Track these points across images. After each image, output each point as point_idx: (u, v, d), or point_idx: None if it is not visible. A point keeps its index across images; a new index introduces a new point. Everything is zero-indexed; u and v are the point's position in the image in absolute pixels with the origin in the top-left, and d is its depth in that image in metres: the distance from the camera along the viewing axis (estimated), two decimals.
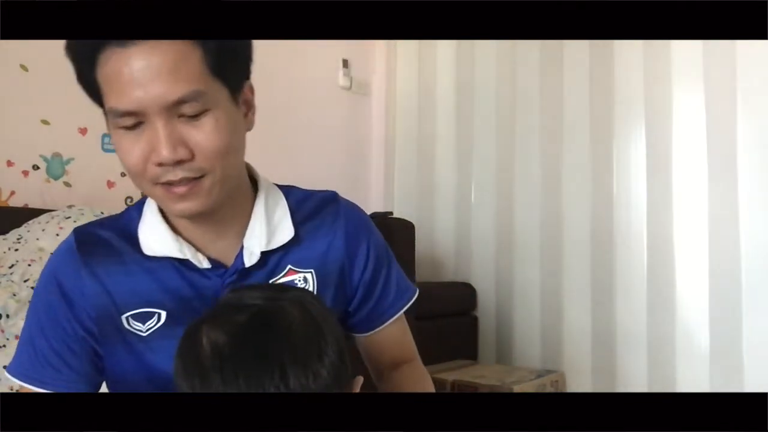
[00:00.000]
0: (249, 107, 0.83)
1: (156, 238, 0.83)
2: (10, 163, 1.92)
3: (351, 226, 0.92)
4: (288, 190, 0.92)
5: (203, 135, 0.74)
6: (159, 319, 0.82)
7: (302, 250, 0.88)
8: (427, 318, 2.40)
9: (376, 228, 0.97)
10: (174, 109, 0.72)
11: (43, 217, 1.76)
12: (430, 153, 2.96)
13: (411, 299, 0.99)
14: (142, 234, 0.84)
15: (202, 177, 0.75)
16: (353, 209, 0.95)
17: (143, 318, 0.82)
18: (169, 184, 0.75)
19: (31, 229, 1.71)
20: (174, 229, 0.84)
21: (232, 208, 0.84)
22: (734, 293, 2.09)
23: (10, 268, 1.58)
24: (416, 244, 2.27)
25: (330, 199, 0.94)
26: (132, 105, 0.71)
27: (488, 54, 2.76)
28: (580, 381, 2.43)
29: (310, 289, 0.88)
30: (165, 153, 0.72)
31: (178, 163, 0.73)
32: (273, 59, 2.68)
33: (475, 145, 2.80)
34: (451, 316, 2.65)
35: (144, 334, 0.82)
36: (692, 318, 2.17)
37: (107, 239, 0.85)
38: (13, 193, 1.99)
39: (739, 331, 2.07)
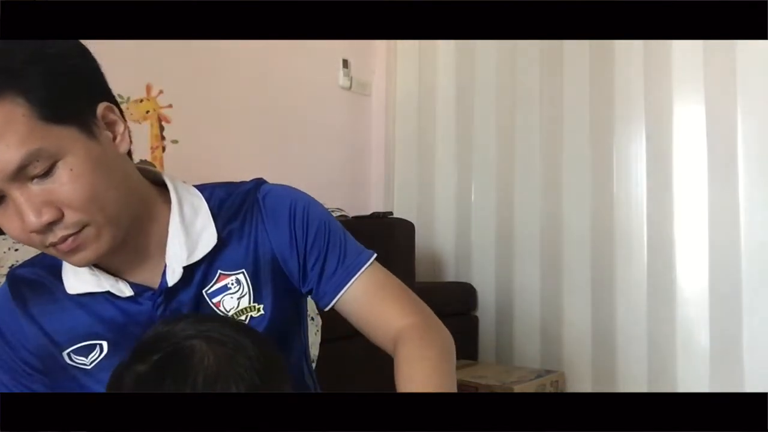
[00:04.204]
0: (114, 128, 0.76)
1: (74, 275, 0.81)
2: None
3: (271, 211, 0.87)
4: (211, 191, 0.88)
5: (63, 189, 0.69)
6: (102, 350, 0.81)
7: (230, 252, 0.84)
8: None
9: (310, 200, 0.91)
10: (22, 175, 0.67)
11: None
12: (430, 153, 2.95)
13: (364, 263, 0.89)
14: (64, 273, 0.82)
15: (83, 228, 0.71)
16: (272, 193, 0.89)
17: (85, 351, 0.81)
18: (55, 244, 0.72)
19: None
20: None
21: (144, 231, 0.81)
22: (734, 293, 2.09)
23: (10, 267, 1.58)
24: (416, 244, 2.26)
25: (251, 190, 0.89)
26: None
27: (488, 54, 2.76)
28: (580, 381, 2.43)
29: (245, 288, 0.84)
30: (32, 220, 0.68)
31: (51, 224, 0.70)
32: (273, 59, 2.68)
33: (475, 145, 2.80)
34: (451, 316, 2.64)
35: (89, 367, 0.81)
36: (692, 318, 2.17)
37: (38, 279, 0.83)
38: None
39: (739, 331, 2.07)
